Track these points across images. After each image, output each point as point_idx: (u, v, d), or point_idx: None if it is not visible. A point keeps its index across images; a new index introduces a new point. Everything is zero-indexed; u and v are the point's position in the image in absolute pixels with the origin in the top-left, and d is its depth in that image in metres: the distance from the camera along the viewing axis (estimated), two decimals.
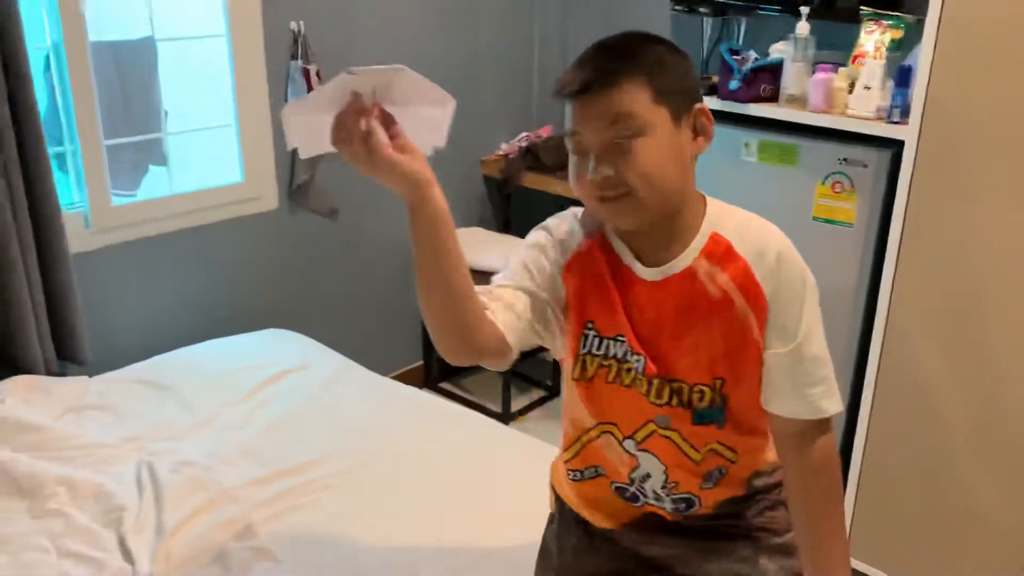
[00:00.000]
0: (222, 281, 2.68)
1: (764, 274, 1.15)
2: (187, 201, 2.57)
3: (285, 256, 2.83)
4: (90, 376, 2.18)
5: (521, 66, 3.38)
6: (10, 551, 1.57)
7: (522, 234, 3.38)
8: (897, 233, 2.08)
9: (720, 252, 1.16)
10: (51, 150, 2.16)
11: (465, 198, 3.31)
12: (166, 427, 1.98)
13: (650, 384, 1.18)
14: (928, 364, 2.10)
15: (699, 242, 1.16)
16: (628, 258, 1.19)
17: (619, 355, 1.19)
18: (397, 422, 2.06)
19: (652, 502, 1.29)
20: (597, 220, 1.21)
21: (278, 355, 2.38)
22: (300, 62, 2.65)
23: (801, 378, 1.17)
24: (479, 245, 3.07)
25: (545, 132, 3.27)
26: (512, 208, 3.38)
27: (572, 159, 1.15)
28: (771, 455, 1.29)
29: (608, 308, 1.19)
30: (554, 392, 3.32)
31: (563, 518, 1.39)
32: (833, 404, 1.19)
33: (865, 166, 2.13)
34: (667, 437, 1.21)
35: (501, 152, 3.28)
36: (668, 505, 1.28)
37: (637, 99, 1.08)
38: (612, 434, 1.25)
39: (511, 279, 1.21)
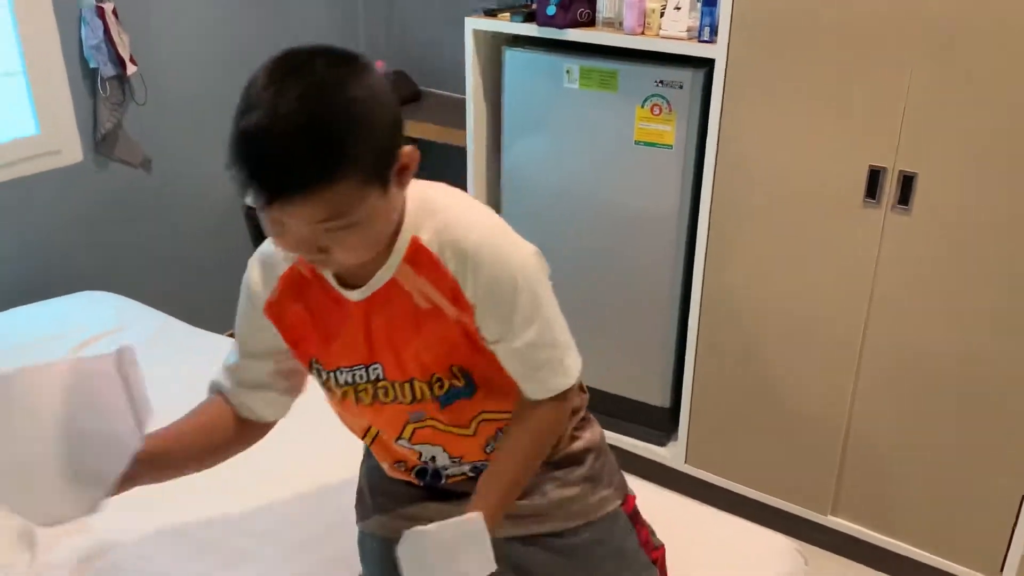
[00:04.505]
0: (25, 243, 2.47)
1: (464, 279, 1.10)
2: None
3: (94, 212, 2.63)
4: None
5: None
6: None
7: None
8: (712, 152, 2.13)
9: (423, 261, 1.10)
10: None
11: None
12: None
13: (394, 390, 1.18)
14: (748, 279, 2.18)
15: (399, 249, 1.10)
16: (332, 282, 1.14)
17: (368, 378, 1.18)
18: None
19: (453, 472, 1.31)
20: None
21: (91, 319, 2.23)
22: (94, 0, 2.43)
23: (527, 363, 1.16)
24: None
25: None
26: None
27: (266, 223, 1.00)
28: None
29: (324, 342, 1.17)
30: None
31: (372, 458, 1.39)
32: (563, 379, 1.18)
33: (681, 87, 2.16)
34: (429, 427, 1.22)
35: None
36: (467, 469, 1.30)
37: (346, 197, 0.94)
38: (382, 437, 1.27)
39: (238, 352, 1.23)
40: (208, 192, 2.92)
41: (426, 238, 1.10)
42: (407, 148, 1.02)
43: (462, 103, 2.68)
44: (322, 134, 0.91)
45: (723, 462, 2.39)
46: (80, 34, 2.47)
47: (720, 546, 1.57)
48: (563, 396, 1.20)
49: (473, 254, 1.08)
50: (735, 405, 2.31)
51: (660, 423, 2.51)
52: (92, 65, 2.48)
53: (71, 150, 2.53)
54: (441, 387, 1.17)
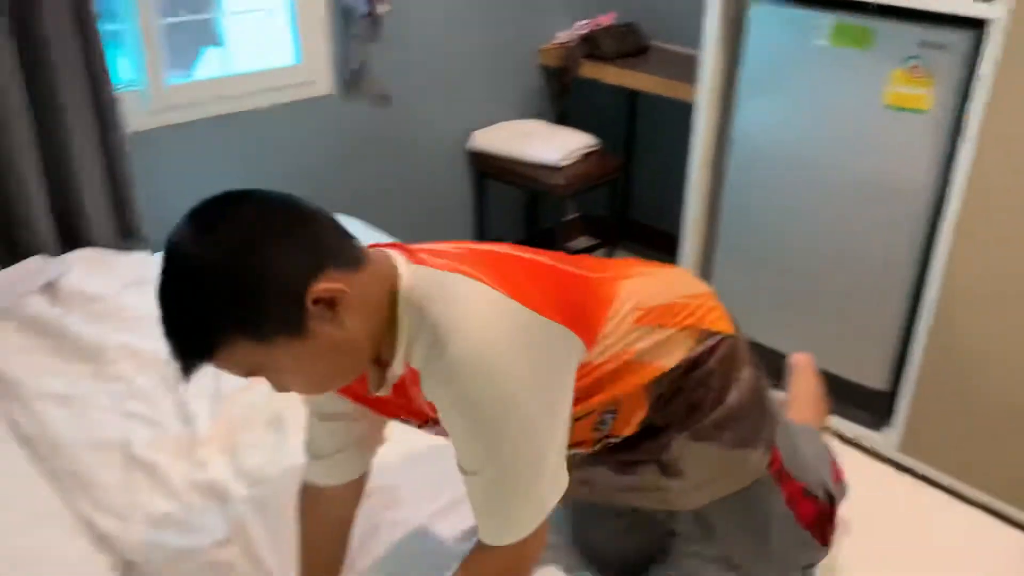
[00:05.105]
0: (275, 165, 2.68)
1: (443, 409, 1.01)
2: (241, 83, 2.56)
3: (338, 143, 2.81)
4: (152, 252, 2.23)
5: None
6: (75, 410, 1.64)
7: (579, 126, 3.32)
8: (976, 123, 1.96)
9: (416, 380, 1.04)
10: (108, 28, 2.15)
11: (520, 89, 3.23)
12: None
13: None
14: (1002, 265, 2.02)
15: (395, 373, 1.05)
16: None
17: (428, 425, 1.17)
18: None
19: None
20: None
21: None
22: None
23: (480, 501, 1.05)
24: (534, 137, 3.01)
25: (606, 20, 3.15)
26: (570, 99, 3.30)
27: None
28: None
29: (375, 408, 1.19)
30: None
31: None
32: (515, 531, 1.04)
33: (945, 49, 2.00)
34: None
35: (559, 41, 3.18)
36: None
37: (245, 357, 0.95)
38: None
39: (312, 418, 1.23)
40: (439, 132, 3.05)
41: (417, 362, 1.01)
42: (321, 285, 0.93)
43: (689, 58, 2.63)
44: (182, 318, 0.93)
45: (942, 454, 2.24)
46: None
47: (952, 537, 1.48)
48: (505, 554, 1.06)
49: (453, 390, 0.97)
50: (965, 397, 2.15)
51: (875, 406, 2.39)
52: (348, 3, 2.64)
53: (323, 82, 2.72)
54: None
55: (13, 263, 2.05)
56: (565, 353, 1.07)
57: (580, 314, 1.11)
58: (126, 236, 2.29)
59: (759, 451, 1.30)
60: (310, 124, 2.72)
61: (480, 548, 1.08)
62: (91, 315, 1.87)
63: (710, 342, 1.25)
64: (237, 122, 2.55)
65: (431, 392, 1.01)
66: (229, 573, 1.34)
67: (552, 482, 1.05)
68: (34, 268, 2.00)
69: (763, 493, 1.32)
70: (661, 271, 1.32)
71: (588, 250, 3.49)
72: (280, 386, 1.02)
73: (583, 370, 1.12)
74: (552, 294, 1.08)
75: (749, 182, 2.47)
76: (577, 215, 3.61)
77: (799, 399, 1.75)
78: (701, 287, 1.33)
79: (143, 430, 1.60)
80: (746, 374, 1.30)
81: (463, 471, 1.03)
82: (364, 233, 2.48)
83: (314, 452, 1.23)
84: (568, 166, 2.91)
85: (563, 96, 3.29)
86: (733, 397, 1.27)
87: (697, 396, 1.25)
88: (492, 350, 0.96)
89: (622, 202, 3.47)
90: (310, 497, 1.26)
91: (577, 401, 1.10)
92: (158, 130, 2.39)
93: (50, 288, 1.96)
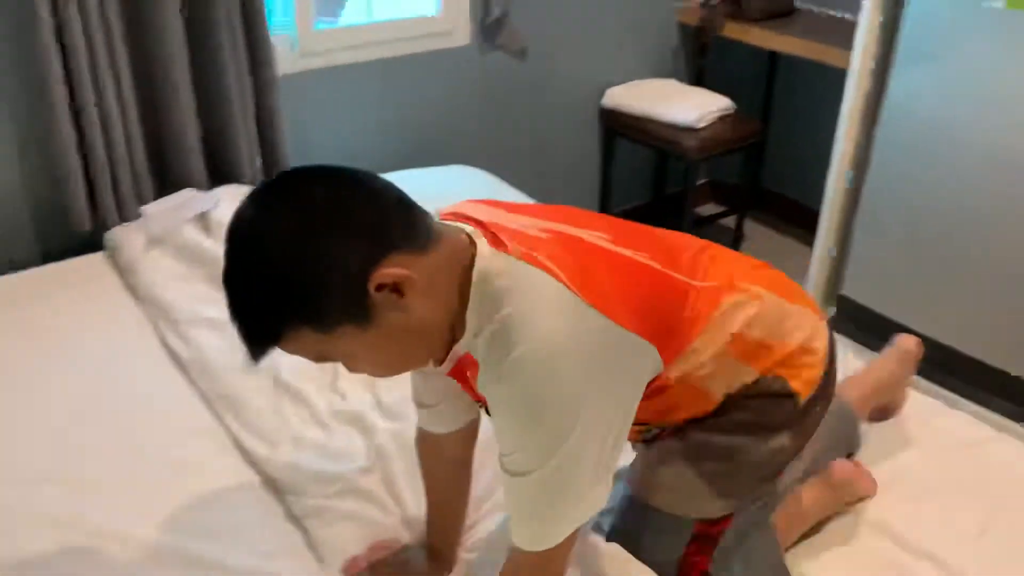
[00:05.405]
0: (413, 113, 2.72)
1: (495, 406, 0.98)
2: (385, 30, 2.59)
3: (474, 93, 2.82)
4: None
5: None
6: (227, 336, 1.70)
7: (716, 87, 3.24)
8: None
9: (474, 367, 1.01)
10: None
11: (657, 47, 3.16)
12: None
13: None
14: None
15: (458, 353, 1.02)
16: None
17: None
18: None
19: None
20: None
21: (466, 189, 2.41)
22: None
23: (520, 504, 1.01)
24: (670, 98, 2.95)
25: None
26: (708, 59, 3.21)
27: None
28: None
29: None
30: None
31: None
32: (533, 542, 1.00)
33: None
34: None
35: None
36: None
37: (310, 344, 0.93)
38: None
39: (414, 377, 1.22)
40: (573, 87, 3.02)
41: (479, 352, 0.98)
42: (384, 271, 0.90)
43: (839, 21, 2.50)
44: (245, 306, 0.92)
45: None
46: None
47: None
48: (534, 559, 1.02)
49: (508, 380, 0.93)
50: None
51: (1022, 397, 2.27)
52: None
53: (461, 33, 2.72)
54: None
55: (165, 195, 2.16)
56: (637, 367, 1.02)
57: (667, 327, 1.05)
58: (270, 176, 2.37)
59: (718, 504, 1.20)
60: (446, 74, 2.73)
61: (511, 553, 1.04)
62: None
63: (782, 400, 1.17)
64: (376, 70, 2.59)
65: (486, 387, 0.98)
66: (369, 499, 1.38)
67: (593, 495, 1.00)
68: (187, 200, 2.09)
69: (674, 528, 1.22)
70: (776, 283, 1.20)
71: (716, 217, 3.42)
72: (352, 368, 1.00)
73: (651, 384, 1.07)
74: (639, 300, 1.02)
75: (900, 157, 2.34)
76: (706, 180, 3.53)
77: (871, 379, 1.60)
78: (812, 321, 1.21)
79: (288, 358, 1.65)
80: (781, 442, 1.20)
81: (507, 471, 0.99)
82: (490, 185, 2.49)
83: (418, 401, 1.23)
84: (703, 128, 2.84)
85: (701, 56, 3.20)
86: (752, 447, 1.18)
87: (725, 421, 1.18)
88: (555, 356, 0.92)
89: (755, 169, 3.37)
90: (423, 440, 1.28)
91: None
92: (303, 74, 2.45)
93: (202, 219, 2.05)
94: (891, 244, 2.43)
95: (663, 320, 1.05)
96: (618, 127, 3.05)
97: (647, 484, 1.23)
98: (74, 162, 2.01)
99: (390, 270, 0.90)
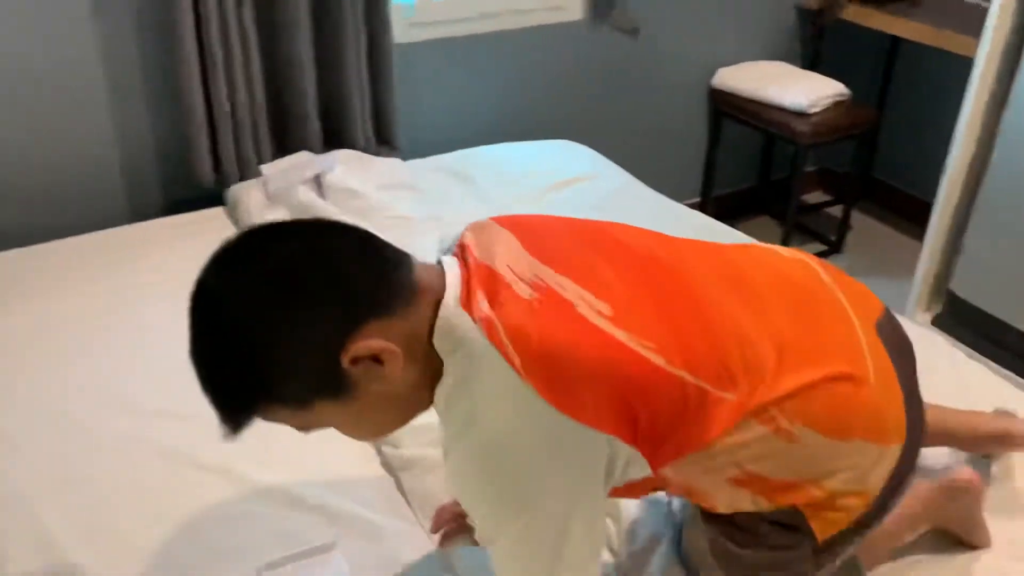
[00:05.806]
0: (522, 87, 2.75)
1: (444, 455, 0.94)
2: (497, 2, 2.62)
3: (582, 69, 2.83)
4: (403, 160, 2.36)
5: None
6: None
7: (832, 73, 3.15)
8: None
9: None
10: None
11: (771, 28, 3.09)
12: (465, 211, 2.12)
13: None
14: None
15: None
16: None
17: None
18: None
19: None
20: None
21: (569, 164, 2.44)
22: None
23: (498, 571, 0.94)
24: (782, 80, 2.88)
25: None
26: (824, 43, 3.12)
27: None
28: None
29: None
30: (835, 248, 3.15)
31: None
32: None
33: None
34: None
35: None
36: None
37: (283, 417, 0.89)
38: None
39: None
40: (683, 66, 2.99)
41: (439, 404, 0.93)
42: (358, 344, 0.84)
43: (968, 7, 2.39)
44: (212, 381, 0.87)
45: None
46: None
47: None
48: None
49: (453, 445, 0.89)
50: None
51: None
52: None
53: (573, 8, 2.73)
54: None
55: (282, 156, 2.26)
56: (588, 460, 0.90)
57: (655, 430, 0.91)
58: (380, 142, 2.44)
59: None
60: (557, 49, 2.75)
61: None
62: (352, 210, 2.02)
63: (795, 535, 1.01)
64: (487, 42, 2.62)
65: (443, 443, 0.93)
66: None
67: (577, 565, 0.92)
68: (303, 161, 2.18)
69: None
70: (832, 413, 0.97)
71: (822, 206, 3.34)
72: (344, 433, 0.96)
73: (646, 478, 0.98)
74: (610, 391, 0.88)
75: (1019, 149, 2.24)
76: (815, 167, 3.44)
77: (922, 508, 1.22)
78: (871, 457, 0.99)
79: None
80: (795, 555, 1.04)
81: (480, 540, 0.96)
82: (594, 160, 2.50)
83: None
84: (816, 113, 2.77)
85: (817, 39, 3.11)
86: (762, 556, 1.05)
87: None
88: (493, 443, 0.86)
89: (867, 158, 3.27)
90: None
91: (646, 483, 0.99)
92: (416, 44, 2.51)
93: (316, 181, 2.14)
94: (1008, 243, 2.33)
95: (651, 420, 0.91)
96: (726, 108, 3.00)
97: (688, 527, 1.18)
98: (201, 120, 2.12)
99: (366, 342, 0.84)
